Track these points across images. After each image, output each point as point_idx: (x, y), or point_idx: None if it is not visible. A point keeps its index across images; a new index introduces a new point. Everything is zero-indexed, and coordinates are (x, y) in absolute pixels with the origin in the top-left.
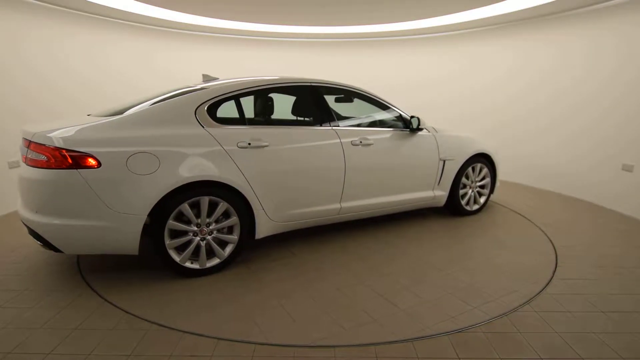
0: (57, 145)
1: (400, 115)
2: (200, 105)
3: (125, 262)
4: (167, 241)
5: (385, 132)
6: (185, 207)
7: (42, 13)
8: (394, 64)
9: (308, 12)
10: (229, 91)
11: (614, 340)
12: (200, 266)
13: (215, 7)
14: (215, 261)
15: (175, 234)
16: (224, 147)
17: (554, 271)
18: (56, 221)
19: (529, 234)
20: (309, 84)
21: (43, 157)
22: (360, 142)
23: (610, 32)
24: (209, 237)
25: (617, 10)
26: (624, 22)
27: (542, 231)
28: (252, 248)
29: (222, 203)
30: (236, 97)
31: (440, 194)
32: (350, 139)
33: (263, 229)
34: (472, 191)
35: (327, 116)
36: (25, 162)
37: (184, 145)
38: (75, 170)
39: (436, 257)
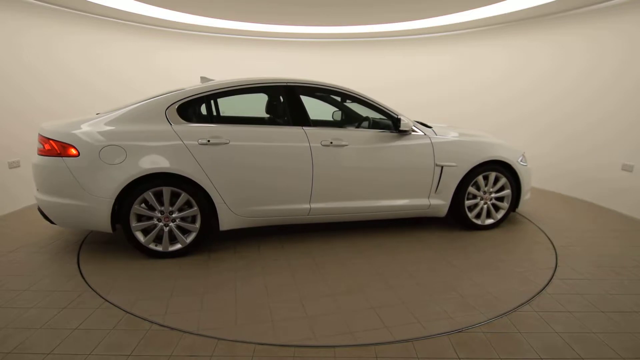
0: (50, 137)
1: (388, 115)
2: (171, 105)
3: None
4: (133, 224)
5: (364, 133)
6: (149, 195)
7: (41, 13)
8: (393, 64)
9: (308, 12)
10: (198, 92)
11: (614, 340)
12: (163, 249)
13: (215, 7)
14: (177, 246)
15: (142, 218)
16: (185, 143)
17: (554, 271)
18: (49, 198)
19: (529, 234)
20: (284, 84)
21: (42, 147)
22: (331, 142)
23: (611, 32)
24: (171, 224)
25: (619, 10)
26: (626, 21)
27: (542, 231)
28: (227, 239)
29: (183, 194)
30: (206, 98)
31: (438, 203)
32: (321, 139)
33: (226, 221)
34: (486, 203)
35: (299, 115)
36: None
37: (149, 141)
38: (60, 157)
39: (399, 270)
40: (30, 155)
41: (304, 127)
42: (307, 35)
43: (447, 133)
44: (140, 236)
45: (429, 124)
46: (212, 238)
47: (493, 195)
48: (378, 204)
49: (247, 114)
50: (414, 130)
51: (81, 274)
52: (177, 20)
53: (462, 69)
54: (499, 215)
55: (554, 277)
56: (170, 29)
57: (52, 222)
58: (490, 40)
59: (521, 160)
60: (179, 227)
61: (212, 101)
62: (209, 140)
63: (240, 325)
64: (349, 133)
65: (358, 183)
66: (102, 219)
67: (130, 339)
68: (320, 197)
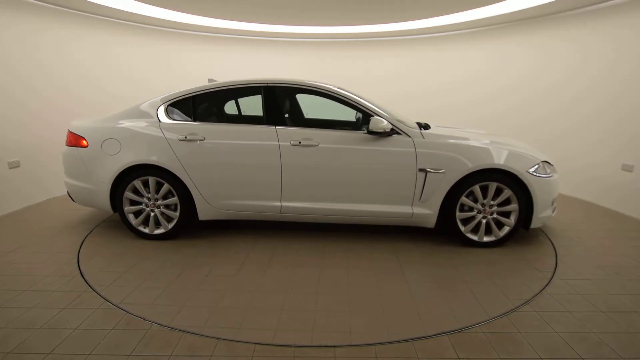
0: (71, 130)
1: (366, 114)
2: (162, 104)
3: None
4: (125, 207)
5: (337, 133)
6: (138, 183)
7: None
8: (394, 64)
9: (311, 13)
10: (185, 94)
11: (614, 340)
12: (149, 232)
13: (222, 9)
14: (161, 230)
15: (134, 203)
16: (167, 139)
17: (554, 271)
18: (70, 180)
19: (528, 235)
20: (264, 84)
21: (67, 139)
22: (300, 142)
23: (603, 35)
24: (156, 210)
25: (608, 12)
26: (616, 24)
27: (542, 231)
28: (215, 228)
29: (165, 184)
30: (192, 99)
31: (422, 213)
32: (291, 139)
33: (204, 212)
34: (485, 218)
35: (274, 114)
36: None
37: (140, 136)
38: (75, 147)
39: (344, 278)
40: (31, 155)
41: (277, 126)
42: (307, 35)
43: (440, 136)
44: (132, 218)
45: (431, 124)
46: (195, 227)
47: (495, 209)
48: (353, 208)
49: (230, 113)
50: (395, 131)
51: (81, 274)
52: (189, 22)
53: (462, 68)
54: (502, 232)
55: (554, 277)
56: (180, 31)
57: (73, 201)
58: (489, 41)
59: (535, 171)
60: (162, 214)
61: (196, 101)
62: (186, 137)
63: (153, 305)
64: (321, 133)
65: (329, 184)
66: (104, 200)
67: (130, 339)
68: (291, 196)
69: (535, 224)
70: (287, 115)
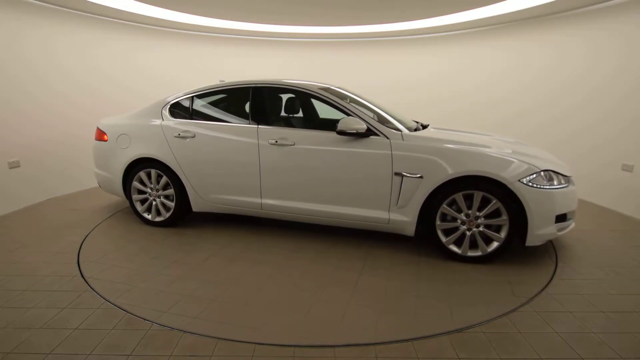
0: (98, 126)
1: (347, 115)
2: (166, 104)
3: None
4: (133, 195)
5: (314, 133)
6: (143, 174)
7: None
8: (393, 64)
9: (315, 13)
10: (184, 94)
11: (613, 340)
12: (151, 219)
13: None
14: (161, 218)
15: (141, 192)
16: (165, 136)
17: (554, 271)
18: (97, 170)
19: None
20: (253, 85)
21: (95, 134)
22: (276, 141)
23: (608, 32)
24: (157, 200)
25: (615, 10)
26: (624, 22)
27: None
28: (211, 220)
29: (164, 177)
30: (190, 99)
31: (400, 219)
32: (269, 138)
33: (197, 204)
34: (470, 230)
35: (258, 114)
36: None
37: (145, 132)
38: (100, 142)
39: (285, 280)
40: (30, 155)
41: (259, 125)
42: (309, 35)
43: (423, 138)
44: (138, 206)
45: (430, 125)
46: (196, 218)
47: (482, 220)
48: (328, 210)
49: (222, 112)
50: (372, 132)
51: (81, 274)
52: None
53: (462, 68)
54: (490, 247)
55: (554, 277)
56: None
57: (101, 188)
58: (488, 41)
59: (531, 180)
60: (163, 204)
61: (193, 101)
62: (179, 134)
63: (112, 283)
64: (299, 133)
65: (304, 184)
66: (118, 188)
67: (130, 339)
68: (270, 193)
69: (531, 241)
70: (285, 115)
